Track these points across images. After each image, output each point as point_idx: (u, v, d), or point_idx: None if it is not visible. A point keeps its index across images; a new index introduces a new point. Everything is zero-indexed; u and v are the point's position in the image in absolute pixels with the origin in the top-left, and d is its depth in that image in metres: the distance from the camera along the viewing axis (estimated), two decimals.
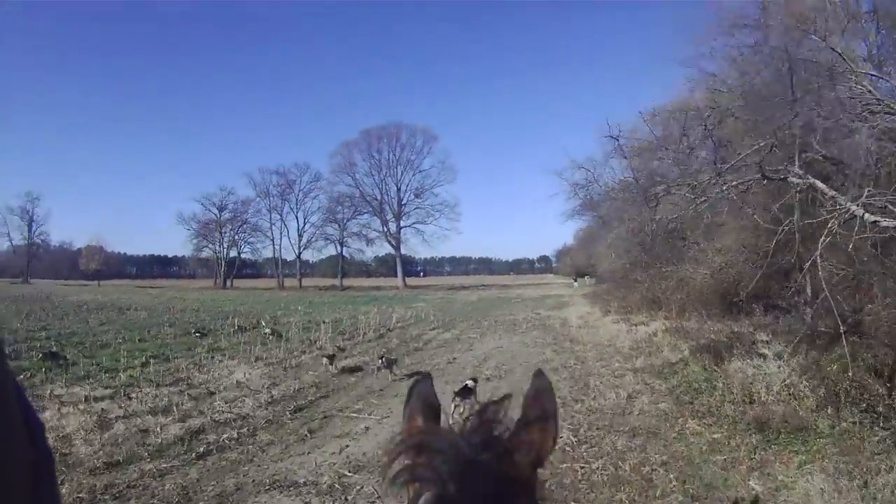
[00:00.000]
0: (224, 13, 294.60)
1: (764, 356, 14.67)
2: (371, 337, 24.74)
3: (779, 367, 13.37)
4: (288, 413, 11.91)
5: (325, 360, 17.33)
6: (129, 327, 28.56)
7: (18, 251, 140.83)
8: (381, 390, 14.23)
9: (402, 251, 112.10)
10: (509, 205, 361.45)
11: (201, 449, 9.50)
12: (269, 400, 13.02)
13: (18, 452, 1.18)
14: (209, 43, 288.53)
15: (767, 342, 16.45)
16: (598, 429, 10.18)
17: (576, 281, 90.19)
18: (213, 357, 18.96)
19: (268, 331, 25.89)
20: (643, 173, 39.32)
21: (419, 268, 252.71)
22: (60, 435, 9.99)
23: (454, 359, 19.10)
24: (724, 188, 16.34)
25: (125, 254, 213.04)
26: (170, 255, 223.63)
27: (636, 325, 24.44)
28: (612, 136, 30.13)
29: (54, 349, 19.71)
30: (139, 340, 23.41)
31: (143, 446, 9.56)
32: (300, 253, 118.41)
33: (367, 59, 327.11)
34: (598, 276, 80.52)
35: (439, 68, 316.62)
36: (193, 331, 26.48)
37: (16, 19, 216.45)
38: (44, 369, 15.87)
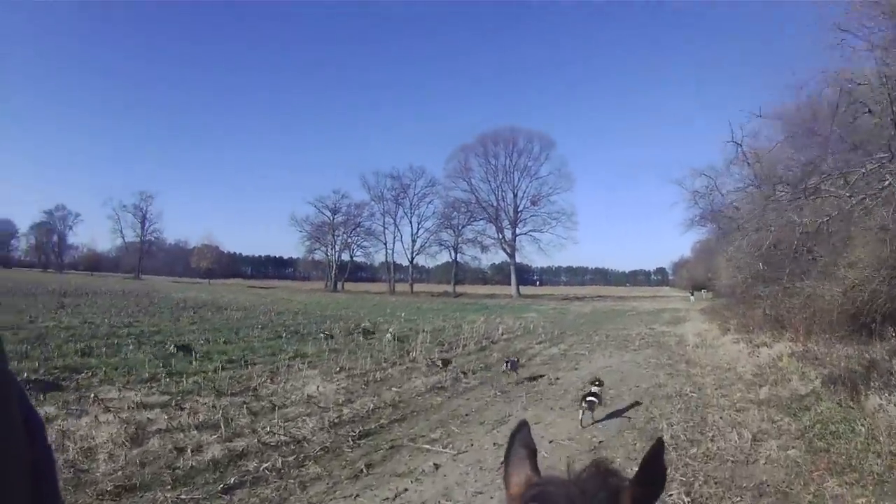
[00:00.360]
0: (345, 9, 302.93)
1: None
2: (472, 349, 23.38)
3: None
4: (350, 440, 10.43)
5: (439, 363, 17.93)
6: (220, 327, 28.37)
7: (131, 248, 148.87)
8: (466, 416, 12.69)
9: (517, 259, 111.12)
10: (627, 214, 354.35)
11: (233, 479, 8.17)
12: (336, 420, 11.65)
13: (18, 452, 1.22)
14: (326, 38, 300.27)
15: None
16: (716, 483, 8.45)
17: (692, 295, 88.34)
18: (291, 365, 17.77)
19: (389, 336, 25.24)
20: (767, 179, 37.65)
21: (535, 276, 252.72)
22: (85, 447, 8.93)
23: (557, 379, 17.49)
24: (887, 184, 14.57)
25: (240, 254, 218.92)
26: (285, 257, 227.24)
27: (758, 347, 22.49)
28: (734, 142, 28.63)
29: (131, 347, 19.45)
30: (224, 342, 22.78)
31: (170, 469, 8.40)
32: (413, 258, 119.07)
33: (486, 61, 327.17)
34: (715, 290, 78.81)
35: (559, 71, 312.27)
36: (284, 333, 26.25)
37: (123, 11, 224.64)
38: (104, 369, 15.34)
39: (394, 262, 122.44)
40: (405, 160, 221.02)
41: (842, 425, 11.30)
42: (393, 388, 15.00)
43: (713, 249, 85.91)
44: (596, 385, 12.83)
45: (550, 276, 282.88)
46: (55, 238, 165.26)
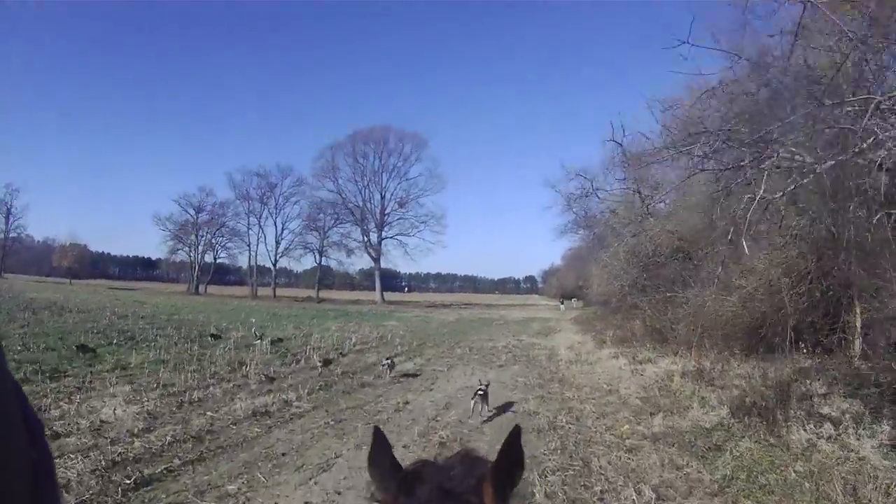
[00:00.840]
0: (214, 8, 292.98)
1: (834, 420, 10.51)
2: (315, 363, 19.99)
3: (872, 446, 9.23)
4: (121, 490, 7.44)
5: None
6: (50, 332, 24.36)
7: None
8: (282, 455, 9.61)
9: (383, 264, 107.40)
10: (497, 221, 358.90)
11: None
12: (118, 458, 8.64)
13: (19, 452, 1.19)
14: (196, 37, 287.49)
15: (824, 396, 12.41)
16: None
17: (562, 303, 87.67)
18: (104, 378, 14.77)
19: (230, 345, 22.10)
20: (645, 183, 35.62)
21: (403, 283, 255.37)
22: None
23: (405, 404, 14.23)
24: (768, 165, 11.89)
25: (108, 254, 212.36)
26: (153, 258, 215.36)
27: (642, 364, 20.12)
28: (615, 141, 26.17)
29: None
30: (44, 348, 19.30)
31: None
32: (276, 261, 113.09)
33: (359, 59, 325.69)
34: (587, 298, 78.74)
35: (431, 71, 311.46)
36: (116, 340, 23.33)
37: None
38: None
39: (256, 265, 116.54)
40: (276, 160, 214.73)
41: (772, 475, 8.47)
42: (208, 413, 12.17)
43: (585, 257, 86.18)
44: (483, 388, 13.59)
45: (419, 282, 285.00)
46: None
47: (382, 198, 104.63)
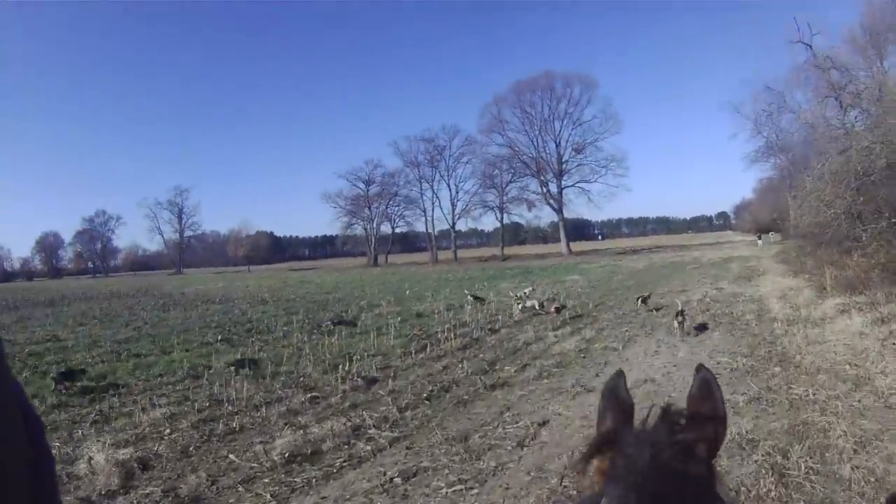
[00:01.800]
0: None
1: None
2: (449, 348, 16.23)
3: None
4: None
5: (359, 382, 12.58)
6: (165, 332, 23.25)
7: (171, 244, 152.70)
8: None
9: (568, 214, 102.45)
10: (684, 157, 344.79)
11: None
12: None
13: (18, 452, 1.25)
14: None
15: None
16: None
17: (760, 238, 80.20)
18: (134, 394, 12.82)
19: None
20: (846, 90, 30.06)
21: (596, 231, 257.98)
22: None
23: (540, 425, 9.28)
24: None
25: (296, 236, 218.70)
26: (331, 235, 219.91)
27: (892, 324, 14.20)
28: (802, 42, 21.99)
29: None
30: (133, 356, 17.87)
31: None
32: (454, 223, 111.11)
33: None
34: (786, 232, 71.73)
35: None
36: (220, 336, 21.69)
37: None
38: None
39: (434, 231, 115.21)
40: (438, 122, 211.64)
41: None
42: (230, 456, 8.60)
43: (779, 187, 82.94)
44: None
45: (611, 228, 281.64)
46: (99, 244, 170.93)
47: (557, 146, 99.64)
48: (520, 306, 23.23)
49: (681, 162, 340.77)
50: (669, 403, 1.28)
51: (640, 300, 22.03)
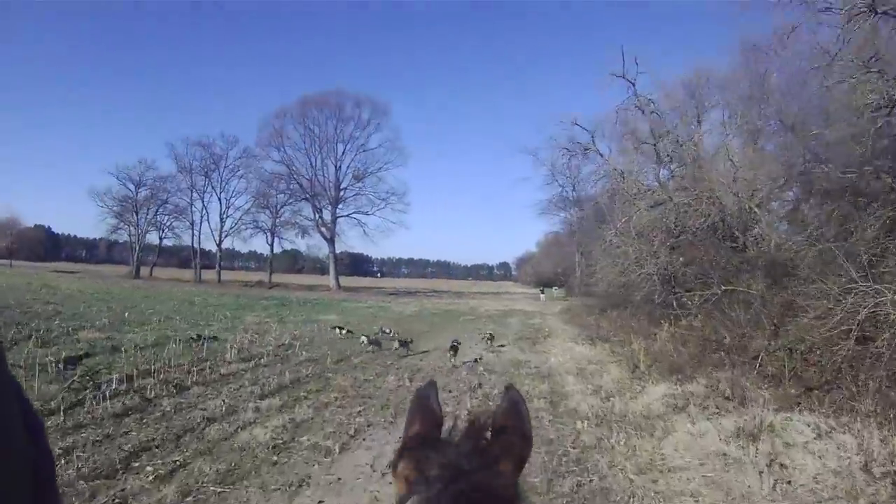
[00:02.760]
0: None
1: None
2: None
3: None
4: None
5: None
6: None
7: None
8: None
9: (339, 246, 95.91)
10: (471, 204, 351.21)
11: None
12: None
13: (19, 452, 1.20)
14: None
15: None
16: None
17: (542, 292, 77.57)
18: None
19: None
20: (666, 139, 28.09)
21: (375, 268, 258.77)
22: None
23: None
24: None
25: (74, 236, 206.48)
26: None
27: (780, 447, 9.24)
28: (625, 78, 25.30)
29: None
30: None
31: None
32: (221, 241, 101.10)
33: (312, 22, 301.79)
34: (571, 287, 74.77)
35: (393, 34, 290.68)
36: None
37: None
38: None
39: (200, 247, 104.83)
40: (221, 129, 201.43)
41: None
42: None
43: (565, 242, 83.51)
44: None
45: (391, 267, 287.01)
46: None
47: (337, 170, 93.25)
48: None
49: (468, 206, 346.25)
50: (477, 416, 1.21)
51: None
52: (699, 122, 29.57)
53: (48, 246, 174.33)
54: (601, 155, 34.26)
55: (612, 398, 13.74)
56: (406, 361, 19.44)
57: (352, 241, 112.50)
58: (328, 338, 25.38)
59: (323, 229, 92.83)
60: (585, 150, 35.47)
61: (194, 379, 14.64)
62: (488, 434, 1.19)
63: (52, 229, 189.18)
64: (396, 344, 21.44)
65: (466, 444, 1.17)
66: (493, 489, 1.09)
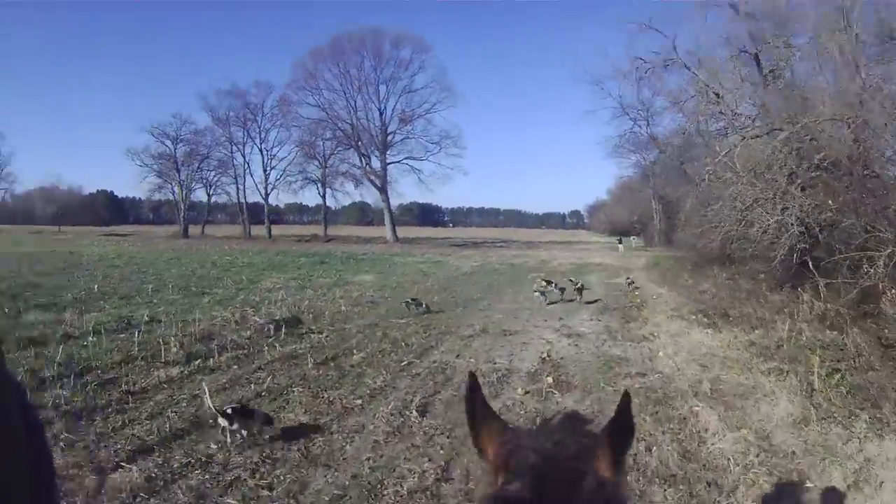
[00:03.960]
0: None
1: None
2: None
3: None
4: None
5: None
6: None
7: None
8: None
9: (400, 196, 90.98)
10: (538, 149, 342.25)
11: None
12: None
13: (18, 452, 1.24)
14: None
15: None
16: None
17: (620, 242, 69.08)
18: None
19: None
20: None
21: (446, 217, 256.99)
22: None
23: None
24: None
25: (136, 198, 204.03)
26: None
27: None
28: None
29: None
30: None
31: None
32: (267, 194, 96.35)
33: None
34: (649, 237, 72.94)
35: None
36: None
37: None
38: None
39: (246, 202, 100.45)
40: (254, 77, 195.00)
41: None
42: None
43: (637, 188, 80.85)
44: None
45: (462, 216, 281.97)
46: None
47: (382, 114, 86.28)
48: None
49: (535, 151, 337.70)
50: (574, 411, 1.40)
51: None
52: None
53: (112, 210, 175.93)
54: (687, 68, 26.92)
55: (807, 480, 6.85)
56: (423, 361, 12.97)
57: (405, 188, 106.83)
58: (342, 311, 19.72)
59: (372, 177, 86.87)
60: (665, 62, 28.08)
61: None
62: (587, 425, 1.27)
63: (115, 193, 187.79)
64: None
65: (562, 433, 1.22)
66: (590, 481, 1.13)
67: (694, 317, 17.81)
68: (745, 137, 20.05)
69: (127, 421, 8.88)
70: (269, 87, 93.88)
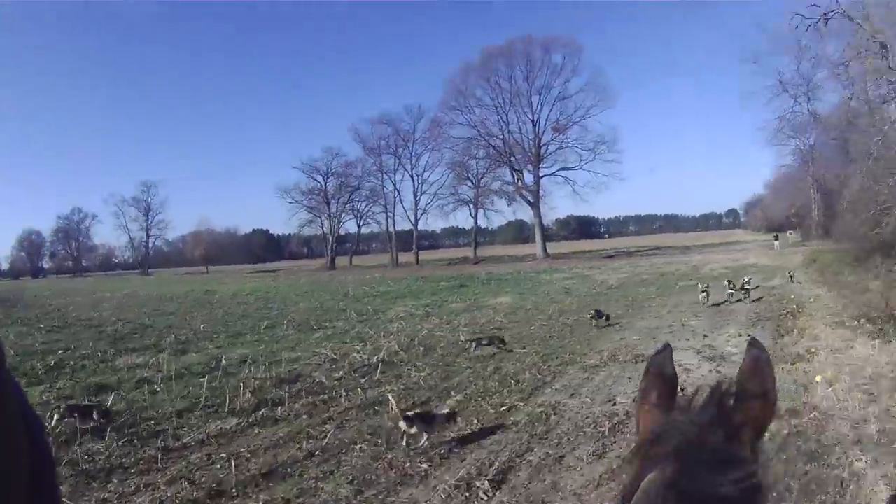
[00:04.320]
0: None
1: None
2: None
3: None
4: None
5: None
6: None
7: (137, 243, 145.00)
8: None
9: (552, 209, 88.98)
10: (693, 147, 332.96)
11: None
12: None
13: (18, 452, 1.22)
14: None
15: None
16: None
17: (776, 239, 66.31)
18: None
19: None
20: None
21: (602, 229, 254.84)
22: None
23: None
24: None
25: (288, 235, 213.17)
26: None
27: None
28: None
29: None
30: None
31: None
32: (417, 220, 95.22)
33: None
34: (807, 230, 69.90)
35: None
36: None
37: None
38: None
39: (395, 230, 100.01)
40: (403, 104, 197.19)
41: None
42: None
43: (798, 177, 76.31)
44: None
45: (618, 227, 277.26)
46: (73, 243, 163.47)
47: (535, 125, 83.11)
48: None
49: (690, 149, 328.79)
50: (719, 382, 1.21)
51: None
52: None
53: (266, 247, 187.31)
54: (850, 18, 24.09)
55: None
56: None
57: (559, 201, 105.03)
58: (459, 342, 17.77)
59: (525, 192, 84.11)
60: (827, 14, 25.14)
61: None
62: (731, 401, 1.18)
63: (270, 231, 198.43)
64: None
65: (706, 414, 1.16)
66: (734, 464, 1.07)
67: (856, 322, 15.24)
68: None
69: (143, 486, 7.87)
70: (421, 111, 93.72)
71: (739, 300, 21.87)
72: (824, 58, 31.00)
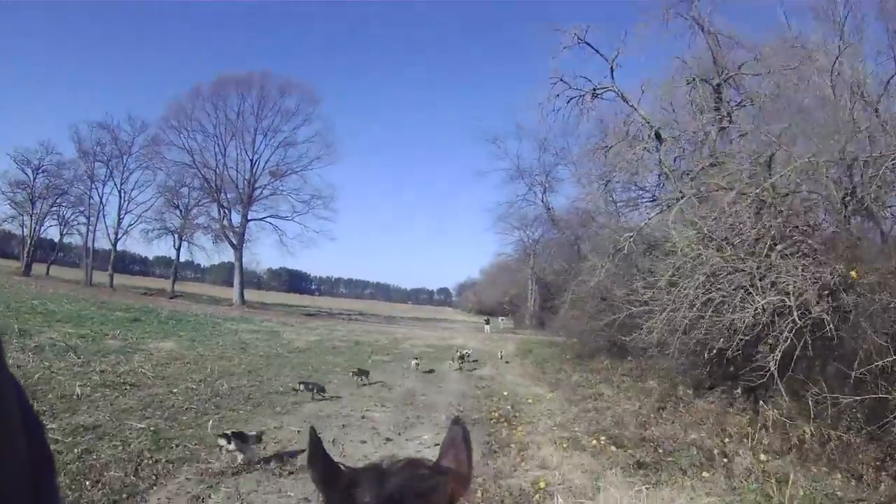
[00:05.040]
0: None
1: None
2: None
3: None
4: None
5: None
6: None
7: None
8: None
9: (248, 257, 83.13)
10: (413, 222, 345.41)
11: None
12: None
13: (18, 453, 1.19)
14: None
15: None
16: None
17: (488, 322, 66.46)
18: None
19: None
20: None
21: (313, 286, 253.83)
22: None
23: None
24: None
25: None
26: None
27: None
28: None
29: None
30: None
31: None
32: (116, 240, 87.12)
33: None
34: (520, 318, 72.35)
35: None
36: None
37: None
38: None
39: (93, 245, 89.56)
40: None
41: None
42: None
43: (514, 268, 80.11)
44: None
45: (330, 286, 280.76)
46: None
47: (253, 165, 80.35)
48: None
49: (411, 228, 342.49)
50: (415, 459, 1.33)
51: None
52: None
53: None
54: (624, 99, 21.78)
55: None
56: None
57: (264, 250, 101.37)
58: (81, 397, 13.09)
59: (229, 233, 79.75)
60: (596, 90, 22.65)
61: None
62: (425, 470, 1.23)
63: None
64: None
65: (402, 476, 1.20)
66: None
67: (596, 442, 11.93)
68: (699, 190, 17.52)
69: None
70: (143, 125, 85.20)
71: (459, 368, 23.36)
72: (576, 144, 29.29)
